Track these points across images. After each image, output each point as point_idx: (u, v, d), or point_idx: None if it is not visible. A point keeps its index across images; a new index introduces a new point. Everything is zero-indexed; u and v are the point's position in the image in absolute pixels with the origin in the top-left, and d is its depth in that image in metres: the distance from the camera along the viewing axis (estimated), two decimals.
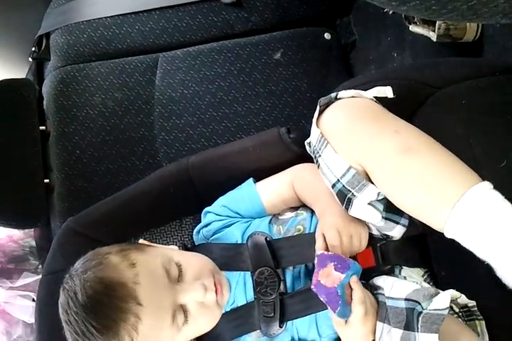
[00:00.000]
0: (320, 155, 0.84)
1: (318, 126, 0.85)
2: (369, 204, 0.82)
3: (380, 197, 0.81)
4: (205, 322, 0.92)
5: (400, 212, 0.86)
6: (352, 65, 1.50)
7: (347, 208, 0.83)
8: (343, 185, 0.81)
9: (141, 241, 1.01)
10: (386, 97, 0.85)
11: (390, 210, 0.85)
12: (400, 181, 0.77)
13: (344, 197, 0.82)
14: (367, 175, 0.81)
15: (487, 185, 0.72)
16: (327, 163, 0.83)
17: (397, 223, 0.88)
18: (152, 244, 1.00)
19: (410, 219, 0.89)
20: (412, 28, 1.17)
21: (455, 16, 0.50)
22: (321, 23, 1.51)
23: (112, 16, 1.48)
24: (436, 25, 1.08)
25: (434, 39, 1.11)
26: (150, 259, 0.89)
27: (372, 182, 0.80)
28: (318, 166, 0.85)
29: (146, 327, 0.83)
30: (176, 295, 0.86)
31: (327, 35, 1.48)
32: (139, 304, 0.82)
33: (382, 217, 0.84)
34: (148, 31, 1.48)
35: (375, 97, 0.85)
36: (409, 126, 0.80)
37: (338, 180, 0.82)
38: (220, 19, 1.48)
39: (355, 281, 0.83)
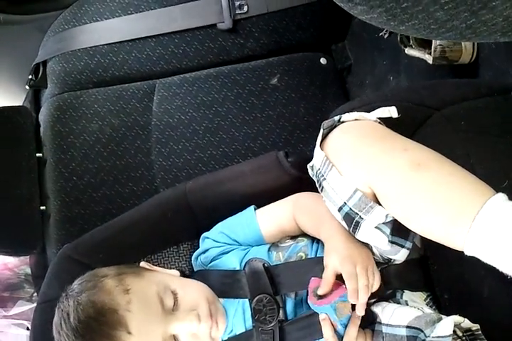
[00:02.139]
0: (325, 179, 0.82)
1: (322, 149, 0.83)
2: (376, 227, 0.81)
3: (388, 220, 0.79)
4: None
5: (405, 236, 0.85)
6: (348, 89, 1.51)
7: (354, 232, 0.81)
8: (350, 208, 0.79)
9: (142, 263, 1.00)
10: (388, 118, 0.85)
11: (396, 234, 0.83)
12: (411, 199, 0.74)
13: (351, 221, 0.80)
14: (375, 197, 0.79)
15: (502, 197, 0.70)
16: (332, 186, 0.81)
17: (403, 246, 0.85)
18: (153, 267, 0.99)
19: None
20: (408, 51, 1.18)
21: (454, 35, 0.50)
22: (317, 48, 1.52)
23: (108, 44, 1.49)
24: (432, 47, 1.09)
25: (430, 61, 1.11)
26: (145, 286, 0.89)
27: (381, 205, 0.78)
28: (322, 190, 0.84)
29: None
30: (168, 325, 0.86)
31: (323, 60, 1.49)
32: (128, 332, 0.82)
33: (389, 241, 0.82)
34: (145, 58, 1.49)
35: (379, 118, 0.85)
36: (417, 144, 0.79)
37: (345, 202, 0.80)
38: (217, 45, 1.49)
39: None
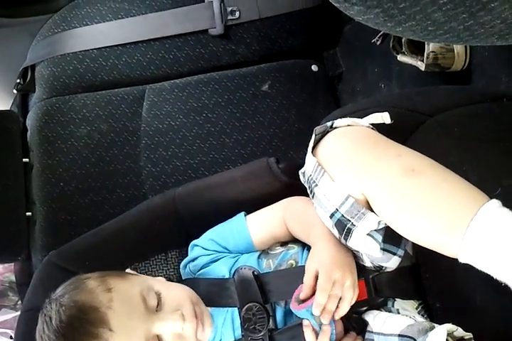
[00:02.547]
0: (316, 185, 0.81)
1: (314, 155, 0.83)
2: (368, 234, 0.80)
3: (380, 226, 0.79)
4: None
5: (397, 243, 0.84)
6: (339, 96, 1.51)
7: (345, 239, 0.81)
8: (342, 215, 0.79)
9: (128, 270, 1.00)
10: (381, 125, 0.85)
11: (388, 241, 0.82)
12: (404, 205, 0.74)
13: (343, 228, 0.80)
14: (367, 204, 0.78)
15: (496, 203, 0.70)
16: (324, 192, 0.80)
17: (394, 254, 0.85)
18: (138, 274, 0.98)
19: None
20: (400, 57, 1.18)
21: (451, 38, 0.50)
22: (309, 55, 1.52)
23: (98, 48, 1.47)
24: (425, 54, 1.09)
25: (423, 68, 1.11)
26: (128, 286, 0.88)
27: (373, 211, 0.78)
28: (313, 196, 0.83)
29: None
30: (151, 325, 0.85)
31: (314, 67, 1.49)
32: (110, 330, 0.81)
33: (381, 248, 0.82)
34: (135, 63, 1.48)
35: (372, 124, 0.85)
36: (411, 150, 0.79)
37: (337, 209, 0.79)
38: (208, 51, 1.48)
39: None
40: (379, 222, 0.78)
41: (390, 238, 0.81)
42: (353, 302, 0.83)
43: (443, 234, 0.71)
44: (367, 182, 0.76)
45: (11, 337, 1.51)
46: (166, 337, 0.86)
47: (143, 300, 0.86)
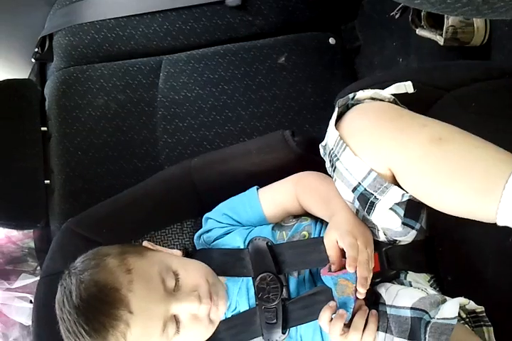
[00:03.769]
0: (338, 159, 0.81)
1: (337, 129, 0.82)
2: (390, 209, 0.80)
3: (404, 199, 0.78)
4: (197, 334, 0.91)
5: (416, 217, 0.85)
6: (356, 70, 1.49)
7: (368, 213, 0.81)
8: (365, 188, 0.78)
9: (145, 243, 1.00)
10: (401, 95, 0.84)
11: (408, 215, 0.83)
12: (436, 174, 0.73)
13: (366, 201, 0.79)
14: (393, 179, 0.78)
15: None
16: (346, 166, 0.80)
17: (413, 228, 0.86)
18: (156, 246, 0.99)
19: None
20: (419, 31, 1.17)
21: (469, 11, 0.49)
22: (326, 28, 1.50)
23: (115, 18, 1.47)
24: (444, 28, 1.08)
25: (441, 43, 1.10)
26: (147, 266, 0.89)
27: (400, 186, 0.77)
28: (335, 170, 0.82)
29: (135, 335, 0.83)
30: (169, 305, 0.86)
31: (332, 40, 1.47)
32: (129, 312, 0.82)
33: (402, 223, 0.82)
34: (152, 33, 1.48)
35: (394, 95, 0.84)
36: (435, 119, 0.78)
37: (359, 183, 0.79)
38: (225, 22, 1.47)
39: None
40: (402, 195, 0.77)
41: (410, 212, 0.82)
42: (371, 273, 0.83)
43: (478, 199, 0.70)
44: (394, 155, 0.75)
45: (30, 301, 1.54)
46: (182, 317, 0.88)
47: (162, 281, 0.87)
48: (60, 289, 0.89)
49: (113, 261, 0.87)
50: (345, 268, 0.82)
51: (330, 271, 0.84)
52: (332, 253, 0.85)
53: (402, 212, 0.81)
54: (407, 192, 0.77)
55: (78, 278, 0.86)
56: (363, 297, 0.82)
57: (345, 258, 0.82)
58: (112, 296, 0.83)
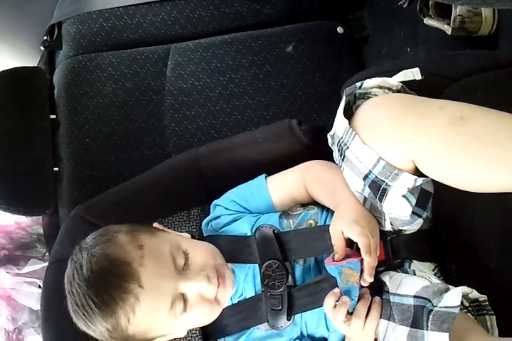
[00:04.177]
0: (348, 147, 0.81)
1: (351, 124, 0.81)
2: (403, 196, 0.80)
3: (417, 183, 0.79)
4: (203, 314, 0.92)
5: (424, 206, 0.85)
6: (364, 60, 1.49)
7: (380, 199, 0.81)
8: (376, 176, 0.79)
9: (155, 224, 1.01)
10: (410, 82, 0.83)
11: (418, 204, 0.83)
12: (465, 152, 0.72)
13: (378, 188, 0.80)
14: (413, 170, 0.78)
15: None
16: (356, 154, 0.80)
17: (420, 216, 0.86)
18: (165, 229, 1.00)
19: None
20: (427, 21, 1.16)
21: (475, 0, 0.49)
22: (334, 17, 1.50)
23: (124, 6, 1.48)
24: (452, 17, 1.07)
25: (449, 32, 1.10)
26: (158, 244, 0.90)
27: (422, 175, 0.77)
28: (344, 159, 0.83)
29: (144, 310, 0.84)
30: (178, 283, 0.87)
31: (340, 29, 1.46)
32: (140, 286, 0.83)
33: (412, 211, 0.83)
34: (160, 22, 1.48)
35: (402, 82, 0.84)
36: (451, 101, 0.77)
37: (370, 171, 0.79)
38: (233, 11, 1.47)
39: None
40: (415, 180, 0.77)
41: (421, 201, 0.82)
42: (376, 262, 0.83)
43: (508, 173, 0.70)
44: (418, 144, 0.75)
45: (39, 286, 1.56)
46: (191, 296, 0.89)
47: (172, 258, 0.88)
48: (70, 264, 0.89)
49: (124, 237, 0.88)
50: (349, 257, 0.83)
51: (334, 260, 0.85)
52: (337, 242, 0.85)
53: (414, 201, 0.82)
54: (419, 177, 0.77)
55: (89, 252, 0.86)
56: (367, 285, 0.83)
57: (349, 247, 0.83)
58: (123, 269, 0.83)
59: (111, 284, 0.83)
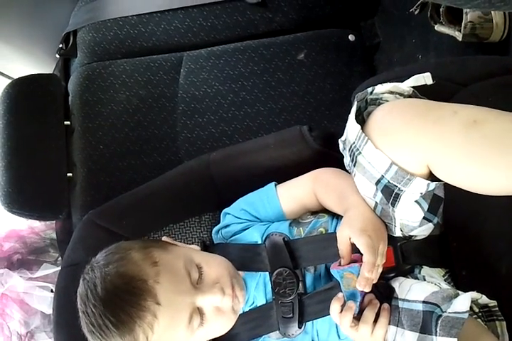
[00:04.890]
0: (360, 152, 0.81)
1: (364, 130, 0.81)
2: (416, 201, 0.81)
3: (430, 188, 0.78)
4: (220, 326, 0.92)
5: (435, 211, 0.85)
6: (376, 67, 1.49)
7: (393, 204, 0.81)
8: (388, 181, 0.79)
9: (164, 238, 1.01)
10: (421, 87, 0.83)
11: (429, 209, 0.84)
12: (481, 156, 0.72)
13: (391, 193, 0.80)
14: (428, 175, 0.78)
15: None
16: (369, 159, 0.80)
17: (430, 221, 0.87)
18: (175, 242, 0.99)
19: None
20: (438, 27, 1.16)
21: (482, 4, 0.50)
22: (346, 25, 1.51)
23: (138, 15, 1.49)
24: (462, 24, 1.07)
25: (460, 39, 1.10)
26: (173, 259, 0.89)
27: (437, 179, 0.77)
28: (356, 164, 0.82)
29: (162, 327, 0.83)
30: (194, 298, 0.86)
31: (351, 37, 1.47)
32: (157, 303, 0.82)
33: (424, 216, 0.83)
34: (173, 30, 1.49)
35: (413, 87, 0.84)
36: (464, 104, 0.77)
37: (383, 175, 0.79)
38: (245, 19, 1.48)
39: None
40: (428, 185, 0.77)
41: (432, 206, 0.82)
42: (381, 269, 0.83)
43: None
44: (433, 149, 0.75)
45: (51, 291, 1.57)
46: (207, 309, 0.88)
47: (187, 273, 0.87)
48: (82, 283, 0.88)
49: (138, 255, 0.87)
50: (355, 262, 0.83)
51: (339, 265, 0.85)
52: (343, 247, 0.85)
53: (426, 206, 0.82)
54: (432, 182, 0.77)
55: (103, 271, 0.85)
56: (368, 290, 0.82)
57: (355, 253, 0.83)
58: (140, 287, 0.82)
59: (127, 303, 0.82)
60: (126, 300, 0.82)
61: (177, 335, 0.87)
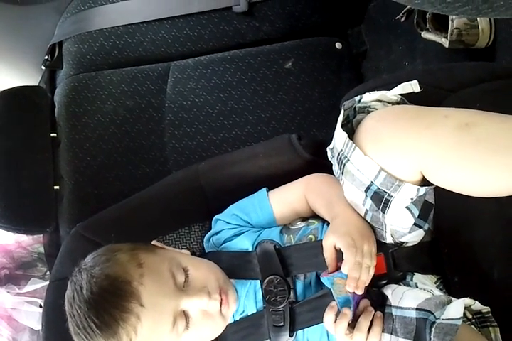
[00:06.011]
0: (348, 160, 0.81)
1: (354, 139, 0.81)
2: (406, 207, 0.80)
3: (420, 193, 0.78)
4: (207, 330, 0.92)
5: (426, 218, 0.85)
6: (363, 74, 1.50)
7: (383, 211, 0.81)
8: (378, 187, 0.79)
9: (154, 242, 1.01)
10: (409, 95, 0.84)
11: (420, 216, 0.83)
12: (475, 158, 0.72)
13: (381, 199, 0.80)
14: (421, 181, 0.78)
15: None
16: (357, 166, 0.79)
17: (421, 228, 0.86)
18: (164, 246, 1.00)
19: None
20: (424, 34, 1.17)
21: (469, 10, 0.50)
22: (333, 33, 1.51)
23: (124, 25, 1.49)
24: (449, 31, 1.08)
25: (447, 45, 1.10)
26: (158, 261, 0.89)
27: (430, 184, 0.77)
28: (344, 172, 0.82)
29: (146, 329, 0.83)
30: (179, 300, 0.86)
31: (338, 45, 1.47)
32: (140, 305, 0.82)
33: (414, 222, 0.83)
34: (160, 40, 1.49)
35: (401, 95, 0.84)
36: (454, 108, 0.77)
37: (372, 182, 0.79)
38: (232, 28, 1.49)
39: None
40: (418, 190, 0.77)
41: (423, 212, 0.82)
42: (372, 272, 0.83)
43: None
44: (425, 153, 0.74)
45: (40, 306, 1.55)
46: (192, 313, 0.88)
47: (172, 276, 0.87)
48: (70, 285, 0.89)
49: (124, 256, 0.88)
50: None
51: (329, 273, 0.85)
52: (327, 254, 0.86)
53: (416, 212, 0.82)
54: (422, 187, 0.77)
55: (89, 273, 0.86)
56: (360, 293, 0.82)
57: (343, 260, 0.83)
58: (123, 289, 0.83)
59: (111, 304, 0.82)
60: (110, 301, 0.82)
61: (162, 338, 0.86)
